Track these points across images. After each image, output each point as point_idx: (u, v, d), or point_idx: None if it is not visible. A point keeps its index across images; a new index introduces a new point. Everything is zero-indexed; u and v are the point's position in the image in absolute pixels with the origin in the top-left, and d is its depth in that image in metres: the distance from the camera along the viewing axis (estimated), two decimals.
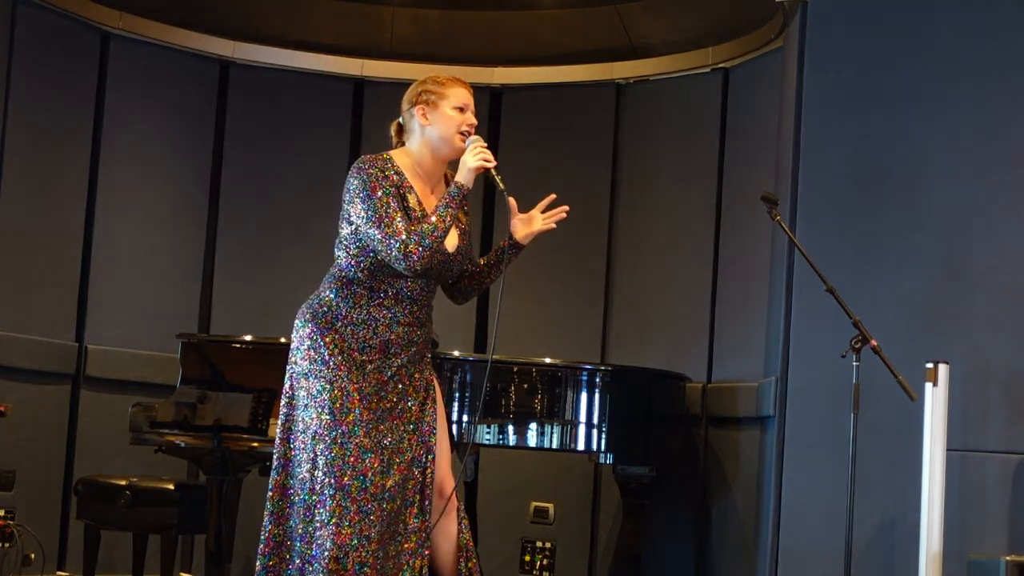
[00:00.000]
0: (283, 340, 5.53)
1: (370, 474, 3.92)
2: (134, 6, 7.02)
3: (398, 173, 4.08)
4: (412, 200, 4.06)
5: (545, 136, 7.44)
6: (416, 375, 4.11)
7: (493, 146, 7.43)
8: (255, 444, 5.50)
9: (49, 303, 6.71)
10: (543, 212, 4.18)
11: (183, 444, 5.65)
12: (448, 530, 4.13)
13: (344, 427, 3.93)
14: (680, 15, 7.00)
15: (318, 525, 3.90)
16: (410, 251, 3.93)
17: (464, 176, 4.06)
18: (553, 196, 4.18)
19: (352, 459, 3.91)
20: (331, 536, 3.86)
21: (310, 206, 7.34)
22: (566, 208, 4.15)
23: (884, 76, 5.49)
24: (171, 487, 5.88)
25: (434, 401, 4.14)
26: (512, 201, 4.13)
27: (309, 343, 4.06)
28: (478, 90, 7.42)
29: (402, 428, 4.05)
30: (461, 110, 4.16)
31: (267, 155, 7.37)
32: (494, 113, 7.52)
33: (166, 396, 5.77)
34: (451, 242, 4.07)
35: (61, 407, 6.75)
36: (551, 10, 7.31)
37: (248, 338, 5.72)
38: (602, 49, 7.33)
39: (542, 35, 7.41)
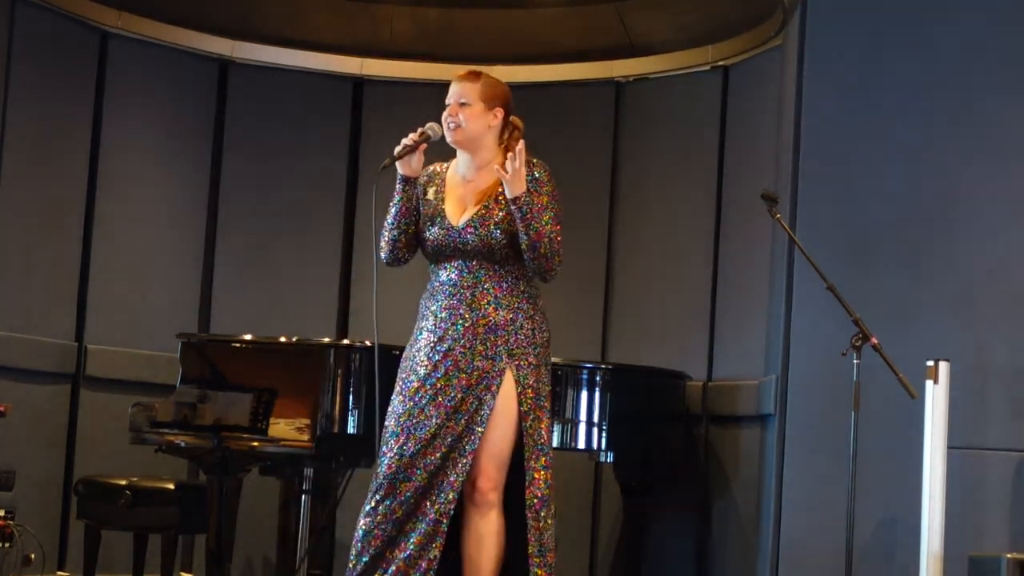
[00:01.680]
0: (283, 339, 5.53)
1: (390, 454, 4.07)
2: (133, 5, 7.01)
3: (444, 170, 4.29)
4: (431, 192, 4.24)
5: (544, 135, 7.38)
6: (477, 361, 4.08)
7: None
8: (255, 444, 5.49)
9: (49, 303, 6.70)
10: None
11: (183, 444, 5.64)
12: (479, 531, 4.10)
13: (393, 407, 4.15)
14: (680, 13, 7.00)
15: None
16: (379, 244, 4.23)
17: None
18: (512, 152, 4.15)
19: (387, 442, 4.11)
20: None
21: (310, 205, 7.34)
22: (518, 149, 4.13)
23: (884, 74, 5.49)
24: (171, 487, 5.88)
25: (494, 395, 4.06)
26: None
27: None
28: None
29: (443, 412, 4.06)
30: (448, 105, 4.26)
31: (266, 154, 7.36)
32: None
33: (166, 396, 5.76)
34: (460, 217, 4.14)
35: (61, 407, 6.74)
36: (550, 8, 7.30)
37: (248, 337, 5.71)
38: (601, 47, 7.33)
39: (541, 33, 7.40)
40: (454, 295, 4.13)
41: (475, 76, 4.26)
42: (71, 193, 6.83)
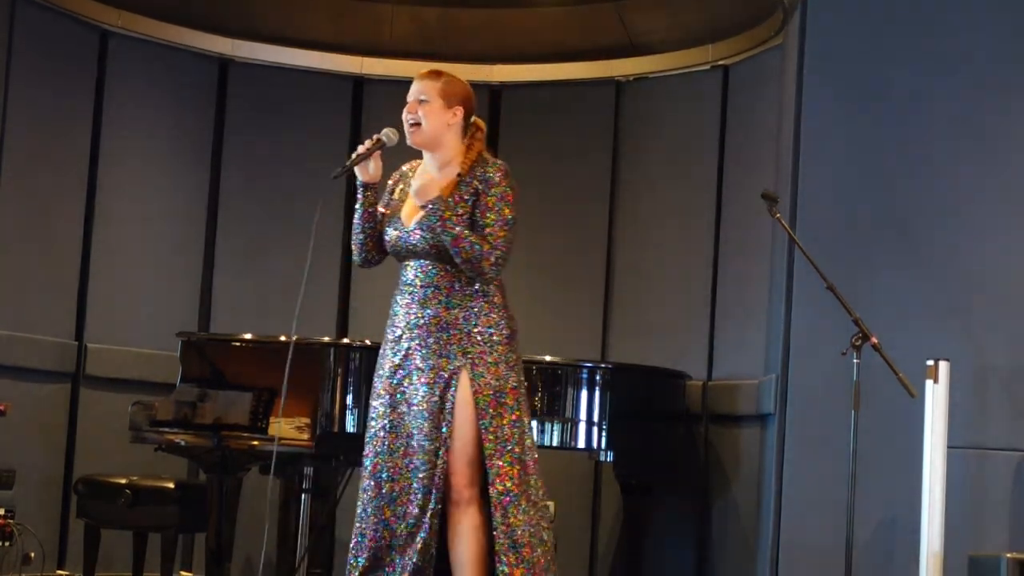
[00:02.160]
0: (283, 338, 5.52)
1: (371, 455, 4.15)
2: (133, 4, 7.01)
3: (412, 169, 4.34)
4: (398, 191, 4.31)
5: (544, 134, 7.43)
6: (432, 360, 4.11)
7: (493, 144, 7.49)
8: (255, 443, 5.49)
9: (49, 301, 6.70)
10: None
11: (183, 443, 5.64)
12: (458, 527, 4.11)
13: (371, 408, 4.24)
14: (680, 13, 7.00)
15: None
16: (352, 248, 4.32)
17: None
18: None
19: (368, 443, 4.20)
20: None
21: (310, 204, 7.32)
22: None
23: (884, 73, 5.49)
24: (171, 486, 5.88)
25: (453, 394, 4.08)
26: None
27: None
28: (477, 88, 7.41)
29: (412, 412, 4.11)
30: (408, 102, 4.29)
31: (266, 153, 7.36)
32: (493, 111, 7.51)
33: (166, 395, 5.77)
34: (412, 219, 4.17)
35: (61, 406, 6.74)
36: (550, 7, 7.30)
37: (248, 336, 5.71)
38: (601, 47, 7.33)
39: (541, 32, 7.40)
40: (410, 294, 4.19)
41: (436, 74, 4.29)
42: (71, 192, 6.83)
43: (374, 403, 4.22)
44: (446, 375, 4.10)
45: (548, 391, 5.74)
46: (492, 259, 4.08)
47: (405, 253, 4.20)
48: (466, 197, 4.14)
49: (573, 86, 7.40)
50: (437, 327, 4.13)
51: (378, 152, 4.24)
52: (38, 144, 6.63)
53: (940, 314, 5.30)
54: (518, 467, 4.11)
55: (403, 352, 4.16)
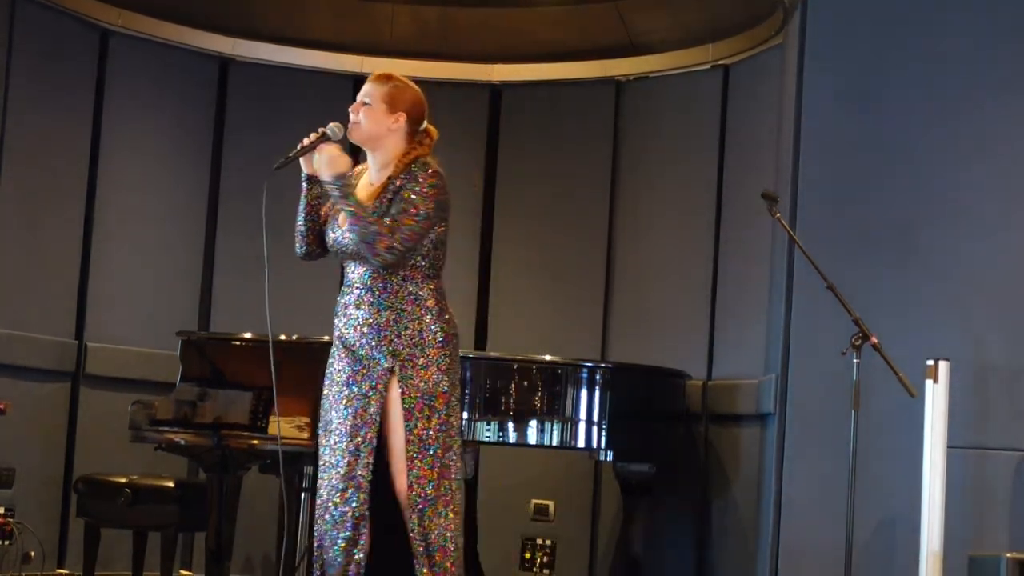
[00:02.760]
0: (283, 337, 5.52)
1: (320, 460, 4.19)
2: (134, 3, 7.01)
3: (361, 171, 4.34)
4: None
5: (544, 133, 7.43)
6: (364, 360, 4.15)
7: (493, 144, 7.50)
8: (255, 442, 5.49)
9: (49, 300, 6.70)
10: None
11: (183, 442, 5.65)
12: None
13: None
14: (680, 12, 7.00)
15: None
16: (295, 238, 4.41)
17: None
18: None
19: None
20: None
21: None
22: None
23: (884, 73, 5.49)
24: (171, 485, 5.88)
25: (381, 395, 4.11)
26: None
27: None
28: (477, 87, 7.50)
29: (346, 411, 4.15)
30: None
31: (266, 152, 7.30)
32: (493, 110, 7.51)
33: (166, 394, 5.77)
34: (343, 220, 4.21)
35: (61, 405, 6.74)
36: (550, 7, 7.30)
37: (248, 336, 5.71)
38: (601, 46, 7.32)
39: (541, 32, 7.40)
40: (347, 294, 4.25)
41: (385, 79, 4.31)
42: (71, 190, 6.83)
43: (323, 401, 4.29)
44: (374, 376, 4.13)
45: (548, 391, 5.74)
46: (387, 242, 4.06)
47: (342, 255, 4.25)
48: (390, 197, 4.15)
49: (573, 86, 7.40)
50: (369, 328, 4.15)
51: (321, 145, 4.23)
52: (38, 143, 6.63)
53: (940, 314, 5.30)
54: (438, 471, 4.11)
55: (340, 351, 4.22)
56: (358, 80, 7.50)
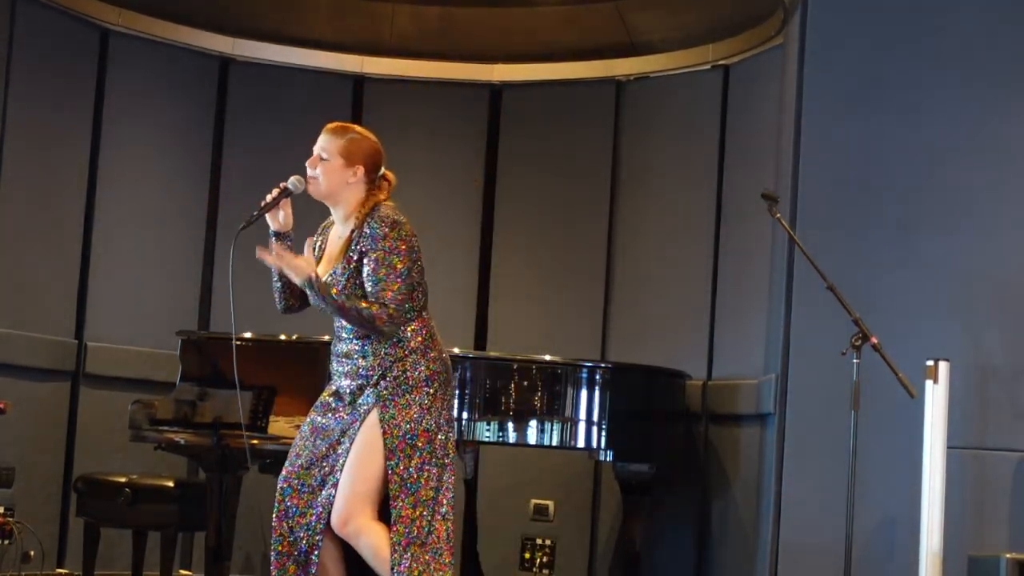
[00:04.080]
0: (282, 337, 5.53)
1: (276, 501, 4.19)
2: (134, 3, 7.01)
3: (332, 222, 4.34)
4: (317, 247, 4.33)
5: (545, 133, 7.43)
6: (349, 408, 4.18)
7: (493, 144, 7.49)
8: (255, 442, 5.49)
9: (49, 300, 6.70)
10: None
11: (183, 441, 5.65)
12: (361, 555, 4.14)
13: None
14: (680, 12, 7.00)
15: None
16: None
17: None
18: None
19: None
20: None
21: (310, 203, 7.31)
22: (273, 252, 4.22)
23: (884, 73, 5.49)
24: (171, 484, 5.88)
25: (354, 434, 4.13)
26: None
27: None
28: (478, 87, 7.50)
29: (320, 444, 4.19)
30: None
31: (267, 152, 7.35)
32: (494, 111, 7.51)
33: (166, 393, 5.77)
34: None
35: (61, 404, 6.74)
36: (551, 7, 7.30)
37: (248, 335, 5.71)
38: (602, 46, 7.33)
39: (542, 32, 7.40)
40: (335, 344, 4.28)
41: (342, 131, 4.31)
42: (71, 190, 6.83)
43: (304, 424, 4.28)
44: (355, 416, 4.16)
45: (548, 391, 5.74)
46: (384, 317, 4.09)
47: (324, 312, 4.22)
48: (355, 257, 4.16)
49: (573, 86, 7.40)
50: (356, 376, 4.18)
51: (286, 200, 4.26)
52: (38, 142, 6.63)
53: (940, 314, 5.30)
54: (420, 510, 4.11)
55: (331, 393, 4.25)
56: (358, 80, 7.52)
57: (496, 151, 7.49)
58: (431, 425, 4.14)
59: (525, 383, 5.73)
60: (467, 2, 7.30)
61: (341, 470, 4.11)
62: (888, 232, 5.42)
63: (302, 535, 4.14)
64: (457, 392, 5.68)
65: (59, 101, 6.75)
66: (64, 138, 6.79)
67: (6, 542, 6.11)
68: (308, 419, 4.25)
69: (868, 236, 5.43)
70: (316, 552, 4.12)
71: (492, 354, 6.47)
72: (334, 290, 4.11)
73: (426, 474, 4.11)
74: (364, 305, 4.08)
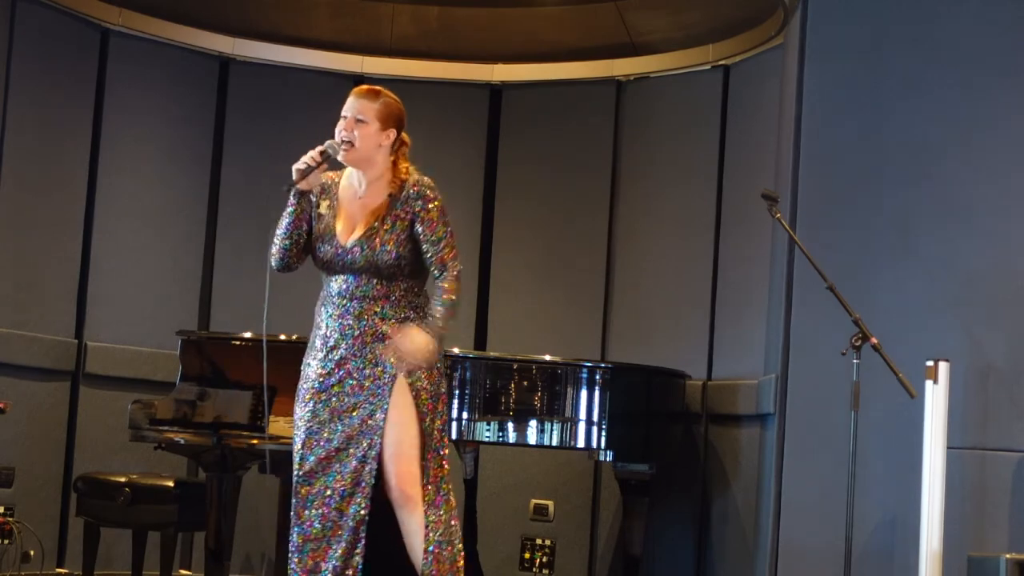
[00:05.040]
0: (283, 337, 5.53)
1: (295, 464, 4.19)
2: (134, 3, 7.01)
3: (336, 182, 4.37)
4: (324, 206, 4.34)
5: (545, 133, 7.43)
6: (366, 369, 4.17)
7: (493, 144, 7.49)
8: (254, 441, 5.49)
9: (49, 300, 6.70)
10: None
11: (183, 441, 5.65)
12: (409, 527, 4.15)
13: (295, 416, 4.27)
14: (680, 12, 7.00)
15: None
16: (271, 251, 4.34)
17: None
18: None
19: (295, 452, 4.24)
20: None
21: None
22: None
23: (884, 73, 5.49)
24: (171, 484, 5.88)
25: (387, 401, 4.14)
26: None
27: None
28: (478, 87, 7.50)
29: (347, 421, 4.17)
30: (345, 117, 4.36)
31: (267, 152, 7.35)
32: (494, 110, 7.51)
33: (166, 393, 5.77)
34: (349, 237, 4.23)
35: (61, 404, 6.74)
36: (551, 7, 7.30)
37: (248, 335, 5.71)
38: (602, 46, 7.33)
39: (542, 32, 7.40)
40: (342, 306, 4.24)
41: (375, 94, 4.33)
42: (71, 190, 6.83)
43: (296, 409, 4.26)
44: (380, 384, 4.17)
45: (548, 391, 5.74)
46: (455, 273, 4.23)
47: (340, 268, 4.24)
48: (402, 215, 4.21)
49: (573, 86, 7.40)
50: (373, 339, 4.19)
51: (324, 164, 4.31)
52: (38, 142, 6.63)
53: (940, 314, 5.30)
54: (438, 469, 4.20)
55: (335, 362, 4.21)
56: (358, 80, 7.51)
57: (496, 151, 7.49)
58: (445, 390, 4.28)
59: (525, 383, 5.73)
60: (467, 2, 7.30)
61: (381, 438, 4.12)
62: (888, 232, 5.42)
63: (350, 516, 4.13)
64: (457, 392, 5.69)
65: (60, 101, 6.75)
66: (65, 138, 6.79)
67: (6, 542, 6.11)
68: (308, 409, 4.22)
69: (868, 236, 5.43)
70: (364, 526, 4.12)
71: (492, 354, 6.46)
72: (439, 316, 4.19)
73: (441, 436, 4.23)
74: (446, 292, 4.19)
